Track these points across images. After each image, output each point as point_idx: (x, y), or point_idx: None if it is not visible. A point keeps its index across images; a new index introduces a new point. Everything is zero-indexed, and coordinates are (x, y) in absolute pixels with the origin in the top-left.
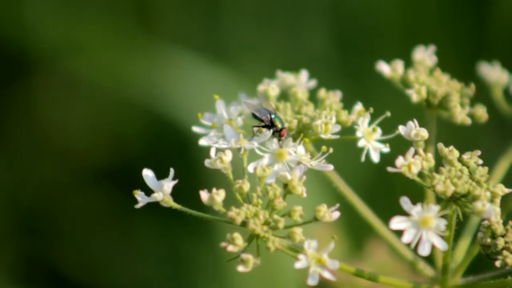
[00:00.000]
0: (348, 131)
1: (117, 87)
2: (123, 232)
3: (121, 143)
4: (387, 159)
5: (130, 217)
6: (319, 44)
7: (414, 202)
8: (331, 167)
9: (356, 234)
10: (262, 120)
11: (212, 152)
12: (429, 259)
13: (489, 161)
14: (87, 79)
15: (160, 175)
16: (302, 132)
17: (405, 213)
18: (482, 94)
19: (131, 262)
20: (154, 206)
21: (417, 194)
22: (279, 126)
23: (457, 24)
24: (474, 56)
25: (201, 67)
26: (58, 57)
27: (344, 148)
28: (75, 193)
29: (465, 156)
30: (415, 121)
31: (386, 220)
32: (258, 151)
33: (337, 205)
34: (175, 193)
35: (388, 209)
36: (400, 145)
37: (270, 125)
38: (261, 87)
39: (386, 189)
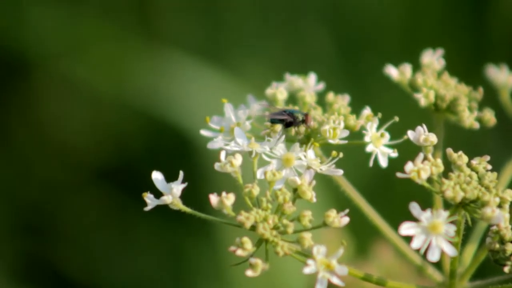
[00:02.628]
0: (354, 135)
1: (116, 88)
2: (123, 231)
3: (121, 142)
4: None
5: (130, 217)
6: (319, 46)
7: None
8: (340, 172)
9: (360, 236)
10: (283, 121)
11: (222, 156)
12: (436, 263)
13: (495, 165)
14: (87, 80)
15: None
16: (311, 136)
17: (411, 218)
18: (486, 96)
19: (131, 262)
20: (154, 207)
21: (417, 195)
22: (300, 116)
23: (457, 24)
24: (474, 56)
25: (201, 70)
26: (58, 57)
27: (343, 150)
28: (75, 192)
29: (474, 162)
30: (424, 126)
31: (386, 222)
32: (265, 157)
33: (347, 210)
34: None
35: (388, 211)
36: (399, 146)
37: (293, 120)
38: (269, 91)
39: (384, 192)
